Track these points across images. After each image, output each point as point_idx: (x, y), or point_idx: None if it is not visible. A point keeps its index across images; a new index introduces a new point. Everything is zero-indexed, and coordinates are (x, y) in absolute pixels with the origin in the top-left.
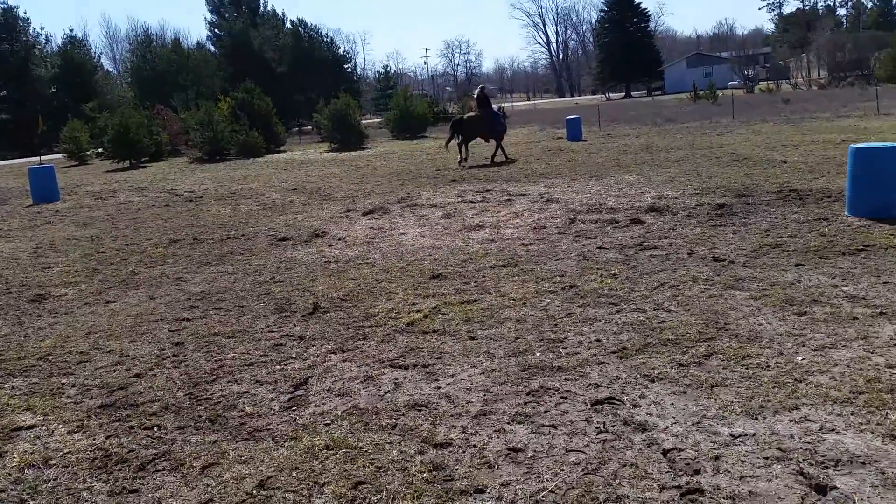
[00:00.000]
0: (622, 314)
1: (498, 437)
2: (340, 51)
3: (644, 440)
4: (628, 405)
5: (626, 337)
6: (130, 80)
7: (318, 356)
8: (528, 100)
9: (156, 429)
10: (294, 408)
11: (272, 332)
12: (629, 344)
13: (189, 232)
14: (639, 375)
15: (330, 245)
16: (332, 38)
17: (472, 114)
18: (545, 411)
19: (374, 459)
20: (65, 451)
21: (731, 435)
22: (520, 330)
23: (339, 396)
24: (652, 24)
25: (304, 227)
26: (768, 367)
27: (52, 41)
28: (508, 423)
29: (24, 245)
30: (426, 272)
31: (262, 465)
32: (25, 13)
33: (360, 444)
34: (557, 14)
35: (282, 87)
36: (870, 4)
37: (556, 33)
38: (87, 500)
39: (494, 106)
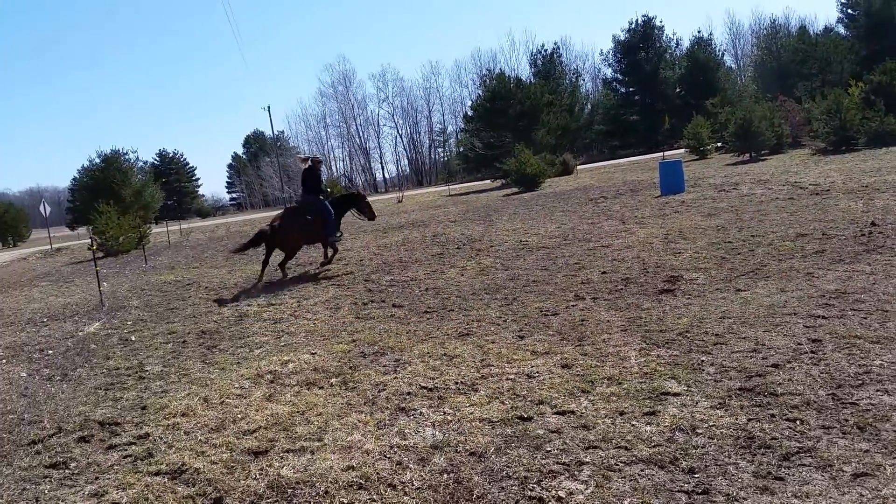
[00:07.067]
0: None
1: None
2: None
3: None
4: None
5: None
6: (752, 74)
7: None
8: None
9: (798, 422)
10: None
11: None
12: None
13: (817, 227)
14: None
15: None
16: None
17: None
18: None
19: None
20: (709, 423)
21: None
22: None
23: None
24: None
25: None
26: None
27: (680, 45)
28: None
29: (655, 231)
30: None
31: None
32: (661, 22)
33: None
34: None
35: None
36: None
37: None
38: (733, 475)
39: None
